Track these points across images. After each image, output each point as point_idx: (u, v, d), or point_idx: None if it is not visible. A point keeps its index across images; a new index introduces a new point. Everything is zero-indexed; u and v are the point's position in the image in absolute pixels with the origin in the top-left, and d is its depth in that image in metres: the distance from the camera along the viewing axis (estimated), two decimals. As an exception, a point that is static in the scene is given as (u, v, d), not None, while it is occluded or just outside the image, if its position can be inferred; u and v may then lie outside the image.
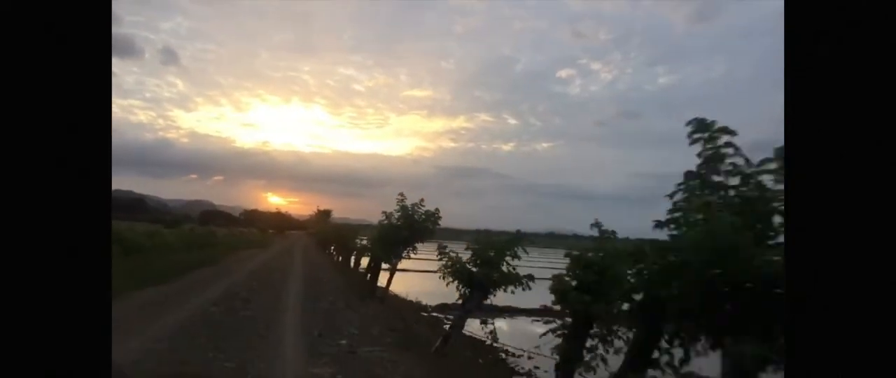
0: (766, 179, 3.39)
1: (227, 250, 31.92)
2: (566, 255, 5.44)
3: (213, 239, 38.71)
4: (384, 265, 15.26)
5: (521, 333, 12.34)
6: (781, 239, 3.07)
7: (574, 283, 5.21)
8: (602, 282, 4.91)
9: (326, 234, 40.04)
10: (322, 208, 66.54)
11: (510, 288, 7.47)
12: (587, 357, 4.91)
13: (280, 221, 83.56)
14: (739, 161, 3.59)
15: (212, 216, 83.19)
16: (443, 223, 13.02)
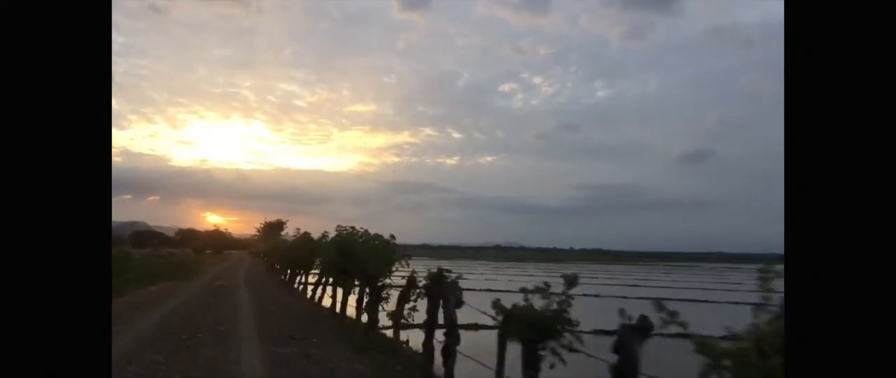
0: None
1: (132, 284, 19.26)
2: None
3: (126, 265, 29.03)
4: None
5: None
6: None
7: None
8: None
9: (280, 253, 30.89)
10: (270, 220, 56.48)
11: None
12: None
13: (218, 240, 77.70)
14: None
15: (144, 237, 78.75)
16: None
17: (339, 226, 12.35)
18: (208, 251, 65.60)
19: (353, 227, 11.58)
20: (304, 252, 18.79)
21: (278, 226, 51.36)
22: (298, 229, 21.27)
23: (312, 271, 19.12)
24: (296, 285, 22.15)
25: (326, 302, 14.88)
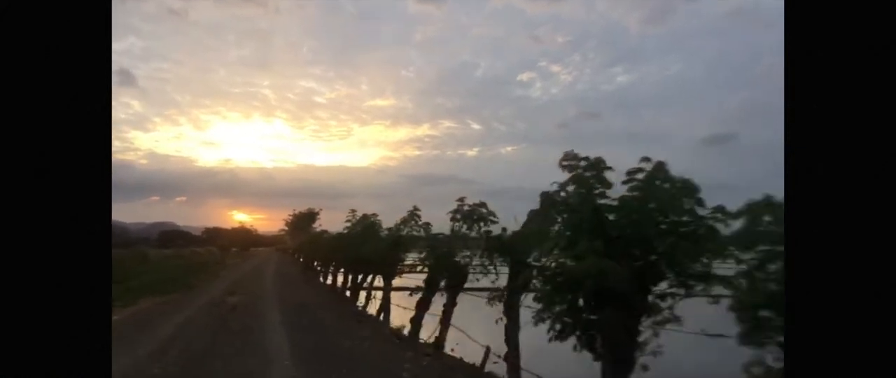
0: None
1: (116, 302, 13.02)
2: None
3: (133, 269, 23.02)
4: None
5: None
6: None
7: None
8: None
9: (321, 250, 23.55)
10: (299, 211, 49.54)
11: None
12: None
13: (244, 238, 74.81)
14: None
15: (171, 237, 77.46)
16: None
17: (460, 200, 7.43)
18: (234, 249, 63.85)
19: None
20: (378, 248, 11.61)
21: (310, 217, 44.25)
22: (353, 212, 14.25)
23: (400, 275, 11.96)
24: (356, 300, 14.87)
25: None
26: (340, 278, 18.23)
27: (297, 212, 46.59)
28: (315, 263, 26.65)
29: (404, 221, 10.95)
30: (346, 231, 14.59)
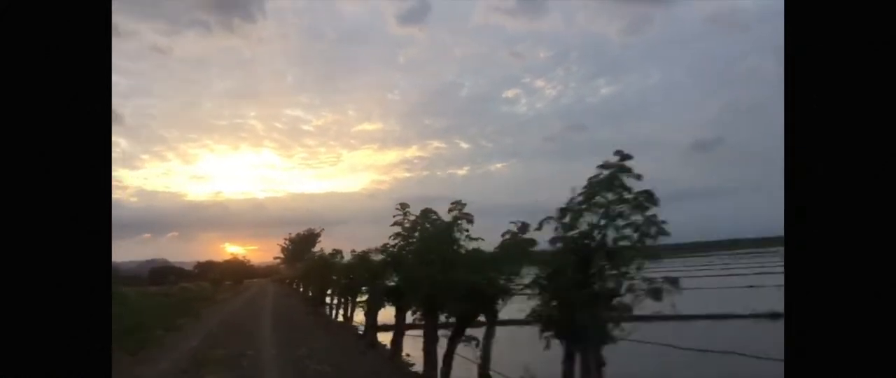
0: None
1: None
2: None
3: (116, 310, 16.67)
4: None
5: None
6: None
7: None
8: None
9: (337, 280, 18.10)
10: (298, 233, 43.94)
11: None
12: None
13: (236, 270, 71.08)
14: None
15: (162, 273, 73.07)
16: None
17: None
18: (227, 282, 61.59)
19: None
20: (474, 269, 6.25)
21: (309, 240, 38.66)
22: (404, 205, 8.86)
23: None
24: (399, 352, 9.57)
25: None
26: (360, 315, 12.89)
27: (292, 236, 41.03)
28: (333, 300, 20.95)
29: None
30: (392, 247, 9.06)
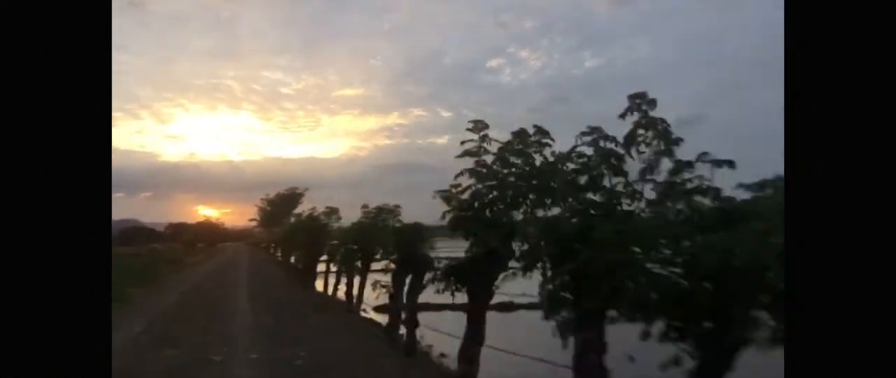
0: None
1: None
2: None
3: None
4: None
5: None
6: None
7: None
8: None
9: (319, 242, 14.34)
10: (280, 192, 39.52)
11: None
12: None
13: (210, 233, 70.98)
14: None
15: (134, 235, 71.60)
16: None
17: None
18: (200, 245, 60.56)
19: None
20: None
21: (291, 200, 34.53)
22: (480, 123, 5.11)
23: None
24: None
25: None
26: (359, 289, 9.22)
27: (270, 196, 36.79)
28: (317, 264, 17.00)
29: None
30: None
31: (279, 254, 30.27)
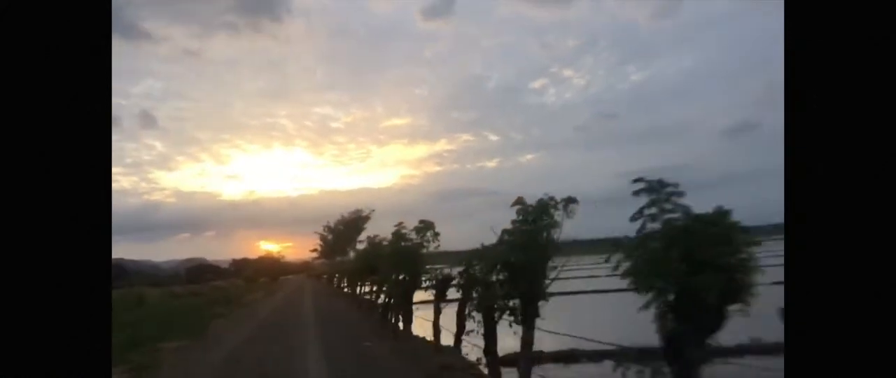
0: None
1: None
2: None
3: (133, 312, 17.71)
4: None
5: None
6: None
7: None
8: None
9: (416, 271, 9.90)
10: (344, 215, 35.45)
11: None
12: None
13: (271, 267, 71.84)
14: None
15: (199, 272, 75.84)
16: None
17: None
18: (262, 279, 62.19)
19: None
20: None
21: (356, 224, 30.13)
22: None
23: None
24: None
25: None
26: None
27: (331, 224, 32.64)
28: (411, 304, 12.11)
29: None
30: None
31: (345, 285, 26.08)
